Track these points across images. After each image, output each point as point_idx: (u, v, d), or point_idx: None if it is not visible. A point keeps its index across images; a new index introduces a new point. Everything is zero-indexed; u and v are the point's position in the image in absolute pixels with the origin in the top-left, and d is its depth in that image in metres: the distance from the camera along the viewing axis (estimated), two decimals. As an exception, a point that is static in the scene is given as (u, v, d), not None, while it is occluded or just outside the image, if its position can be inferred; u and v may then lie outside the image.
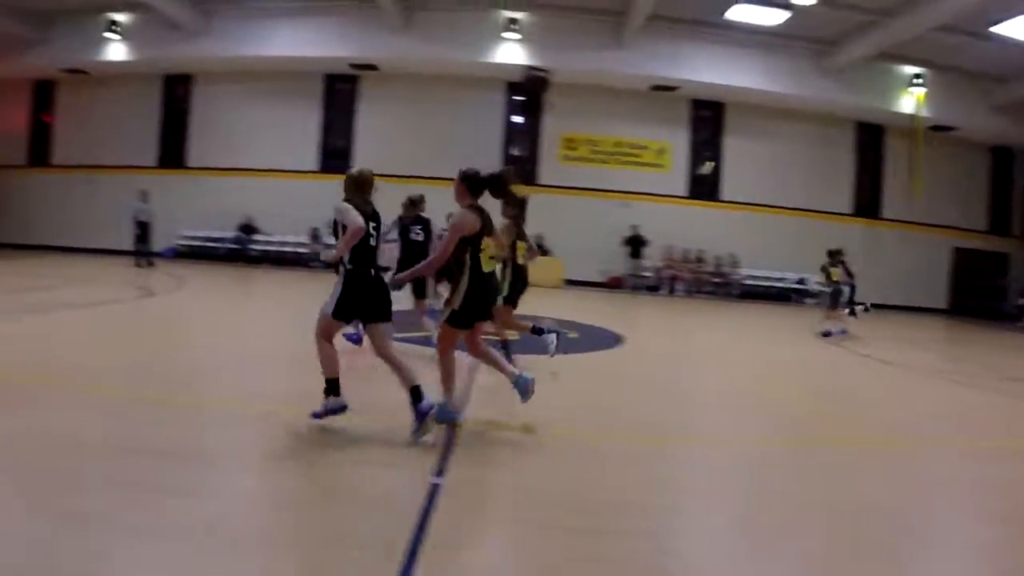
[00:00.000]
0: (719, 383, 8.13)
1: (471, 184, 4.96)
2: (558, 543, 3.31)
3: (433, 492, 3.71)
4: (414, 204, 8.21)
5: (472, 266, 4.92)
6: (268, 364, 7.20)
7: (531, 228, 19.13)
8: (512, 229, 6.96)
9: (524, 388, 5.14)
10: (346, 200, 4.78)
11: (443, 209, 6.75)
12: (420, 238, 8.08)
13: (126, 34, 19.76)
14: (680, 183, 20.98)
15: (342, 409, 4.69)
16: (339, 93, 20.98)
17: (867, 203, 21.47)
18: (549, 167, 20.82)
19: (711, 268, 20.66)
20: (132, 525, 3.12)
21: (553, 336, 7.26)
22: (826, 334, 12.73)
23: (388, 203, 8.09)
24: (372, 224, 4.80)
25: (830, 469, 4.89)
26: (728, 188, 20.95)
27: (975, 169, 21.87)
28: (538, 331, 7.31)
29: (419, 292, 8.02)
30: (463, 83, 20.14)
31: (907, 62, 19.24)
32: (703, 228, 20.49)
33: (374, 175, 4.95)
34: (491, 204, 5.26)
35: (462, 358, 5.36)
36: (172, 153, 21.55)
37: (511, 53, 18.81)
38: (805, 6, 16.72)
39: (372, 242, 4.80)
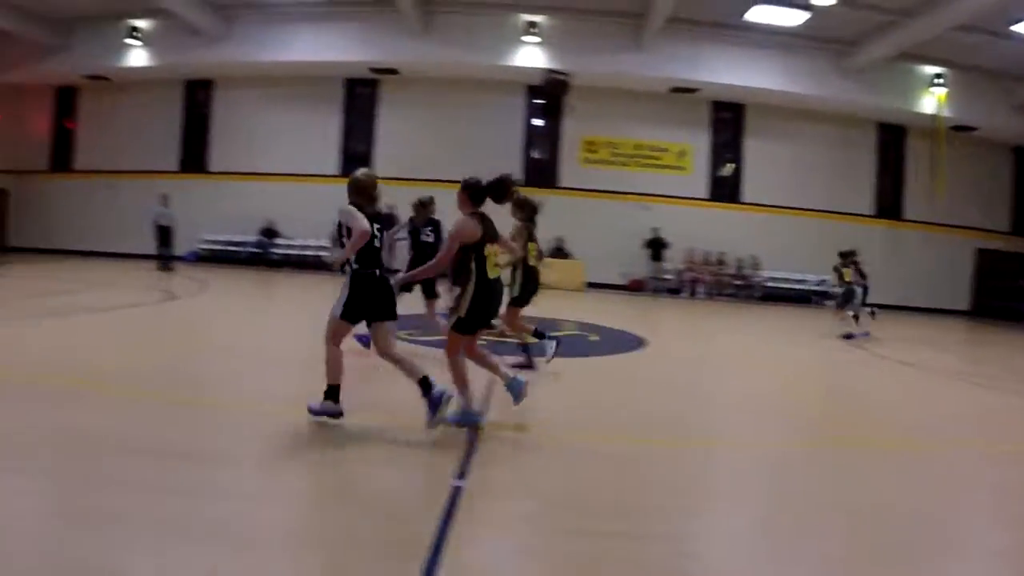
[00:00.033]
0: (740, 385, 8.10)
1: (472, 193, 5.03)
2: (578, 546, 3.32)
3: (455, 494, 3.73)
4: (424, 206, 8.30)
5: (478, 273, 4.98)
6: (289, 367, 7.20)
7: (552, 231, 19.45)
8: (524, 231, 7.12)
9: (517, 391, 5.24)
10: (351, 203, 4.85)
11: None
12: (431, 239, 8.17)
13: (147, 40, 19.92)
14: (701, 185, 20.92)
15: (336, 415, 4.81)
16: (359, 97, 21.05)
17: (889, 204, 21.34)
18: (569, 170, 20.82)
19: (732, 270, 20.59)
20: (152, 525, 3.14)
21: (553, 343, 7.35)
22: (847, 336, 12.68)
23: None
24: (376, 226, 4.88)
25: (850, 471, 4.87)
26: (749, 190, 20.87)
27: (997, 169, 21.71)
28: (540, 335, 7.40)
29: (429, 292, 8.09)
30: (483, 86, 20.20)
31: (927, 62, 19.13)
32: (724, 230, 20.44)
33: (377, 178, 5.02)
34: (502, 208, 5.34)
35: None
36: (193, 158, 21.69)
37: (531, 56, 18.83)
38: (825, 6, 16.66)
39: (377, 243, 4.88)
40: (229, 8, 19.19)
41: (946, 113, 19.62)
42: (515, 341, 7.55)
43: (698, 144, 20.86)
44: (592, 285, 19.78)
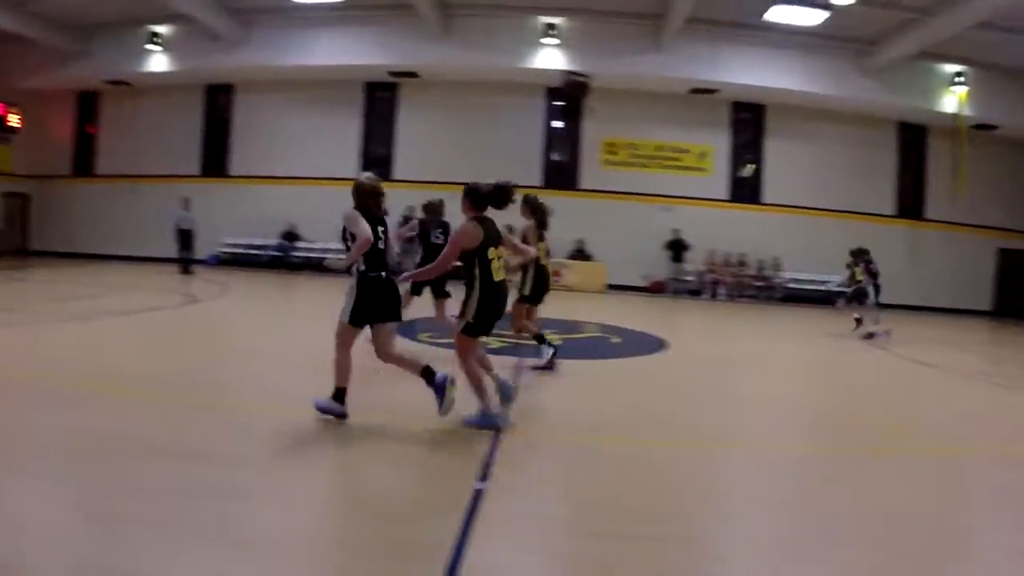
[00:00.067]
0: (762, 388, 8.09)
1: (474, 198, 5.14)
2: (600, 548, 3.33)
3: (476, 497, 3.75)
4: (434, 209, 8.37)
5: (482, 277, 5.08)
6: (310, 369, 7.19)
7: (573, 233, 19.42)
8: (535, 231, 7.33)
9: (508, 393, 5.50)
10: (356, 207, 4.96)
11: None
12: (441, 241, 8.20)
13: (167, 45, 20.05)
14: (721, 186, 20.85)
15: (340, 416, 4.94)
16: (379, 101, 21.09)
17: (910, 204, 21.18)
18: (590, 172, 20.78)
19: (753, 271, 20.49)
20: (173, 528, 3.17)
21: (550, 351, 7.45)
22: (868, 335, 12.64)
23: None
24: (381, 228, 5.00)
25: (873, 475, 4.86)
26: (770, 191, 20.77)
27: (1019, 168, 21.45)
28: (540, 339, 7.50)
29: (439, 292, 8.14)
30: (503, 89, 20.20)
31: (948, 60, 19.00)
32: (745, 231, 20.35)
33: (381, 182, 5.14)
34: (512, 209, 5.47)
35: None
36: (214, 162, 21.79)
37: (550, 58, 18.82)
38: (844, 6, 16.56)
39: (381, 245, 4.98)
40: (248, 13, 19.28)
41: (967, 112, 19.49)
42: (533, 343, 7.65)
43: (718, 145, 20.77)
44: (613, 287, 19.74)
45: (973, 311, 20.86)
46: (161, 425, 4.80)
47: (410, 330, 9.17)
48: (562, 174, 20.80)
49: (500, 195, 5.14)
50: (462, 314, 5.16)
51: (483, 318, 5.10)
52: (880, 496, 4.37)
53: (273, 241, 20.61)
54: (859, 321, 13.21)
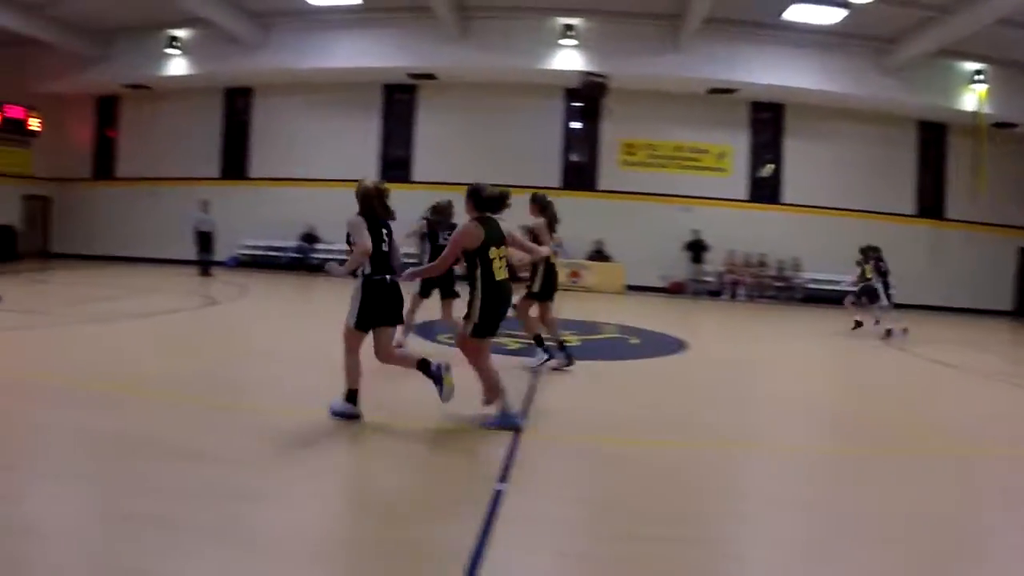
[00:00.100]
0: (782, 388, 8.07)
1: (476, 199, 5.20)
2: (620, 550, 3.34)
3: (496, 498, 3.75)
4: (442, 210, 8.38)
5: (484, 277, 5.10)
6: (328, 371, 7.21)
7: (592, 234, 19.38)
8: (545, 230, 7.40)
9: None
10: (360, 213, 5.00)
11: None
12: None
13: (186, 49, 20.18)
14: (741, 186, 20.78)
15: (354, 417, 5.00)
16: (398, 103, 21.15)
17: (930, 204, 21.02)
18: (609, 173, 20.77)
19: (773, 272, 20.42)
20: (192, 530, 3.19)
21: (544, 356, 7.49)
22: (888, 333, 12.59)
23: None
24: (385, 231, 5.05)
25: (893, 476, 4.84)
26: (789, 190, 20.67)
27: (1040, 167, 21.38)
28: (540, 341, 7.54)
29: (447, 292, 8.12)
30: (521, 90, 20.21)
31: (967, 58, 18.85)
32: (764, 231, 20.26)
33: (384, 184, 5.19)
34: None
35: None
36: (234, 164, 21.93)
37: (568, 59, 18.83)
38: (862, 4, 16.48)
39: (385, 248, 5.03)
40: (267, 16, 19.38)
41: (987, 110, 19.32)
42: (552, 342, 7.66)
43: (737, 145, 20.71)
44: (632, 288, 19.73)
45: (994, 311, 20.67)
46: (179, 427, 4.83)
47: (428, 332, 9.20)
48: (580, 175, 20.80)
49: (496, 203, 5.23)
50: (467, 316, 5.18)
51: (488, 318, 5.13)
52: (899, 497, 4.35)
53: (292, 243, 20.70)
54: (859, 323, 13.13)
